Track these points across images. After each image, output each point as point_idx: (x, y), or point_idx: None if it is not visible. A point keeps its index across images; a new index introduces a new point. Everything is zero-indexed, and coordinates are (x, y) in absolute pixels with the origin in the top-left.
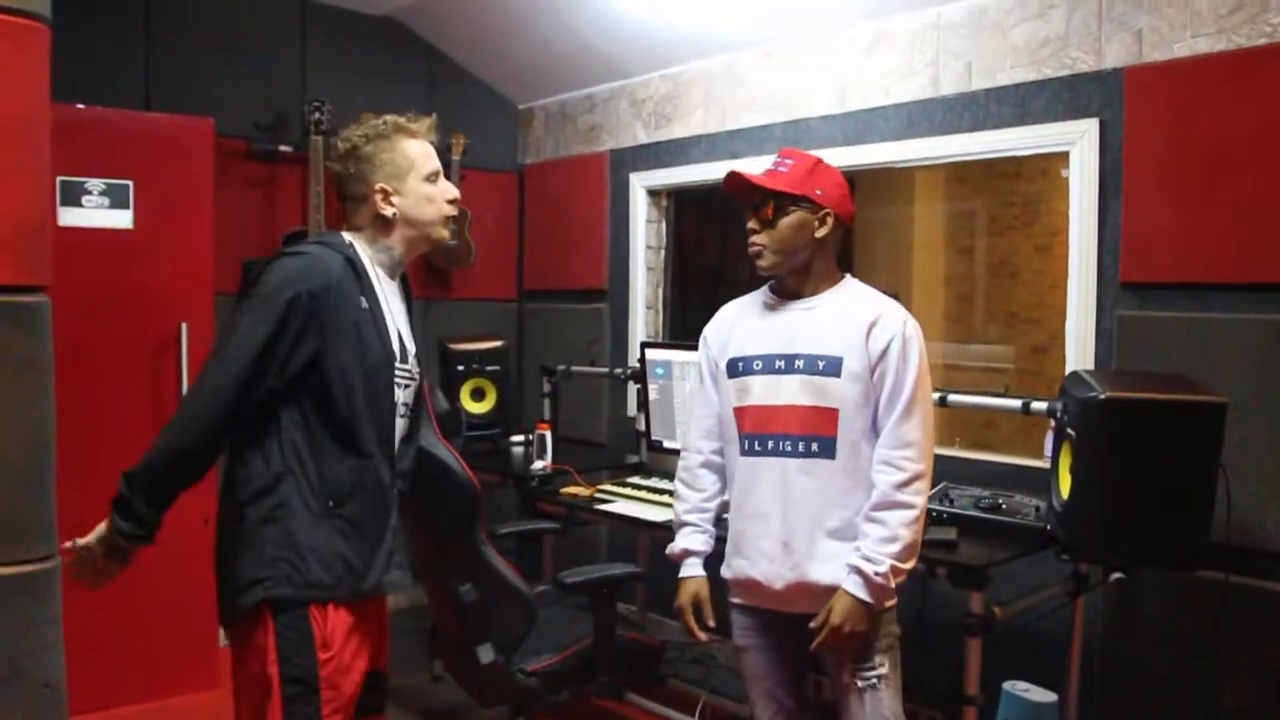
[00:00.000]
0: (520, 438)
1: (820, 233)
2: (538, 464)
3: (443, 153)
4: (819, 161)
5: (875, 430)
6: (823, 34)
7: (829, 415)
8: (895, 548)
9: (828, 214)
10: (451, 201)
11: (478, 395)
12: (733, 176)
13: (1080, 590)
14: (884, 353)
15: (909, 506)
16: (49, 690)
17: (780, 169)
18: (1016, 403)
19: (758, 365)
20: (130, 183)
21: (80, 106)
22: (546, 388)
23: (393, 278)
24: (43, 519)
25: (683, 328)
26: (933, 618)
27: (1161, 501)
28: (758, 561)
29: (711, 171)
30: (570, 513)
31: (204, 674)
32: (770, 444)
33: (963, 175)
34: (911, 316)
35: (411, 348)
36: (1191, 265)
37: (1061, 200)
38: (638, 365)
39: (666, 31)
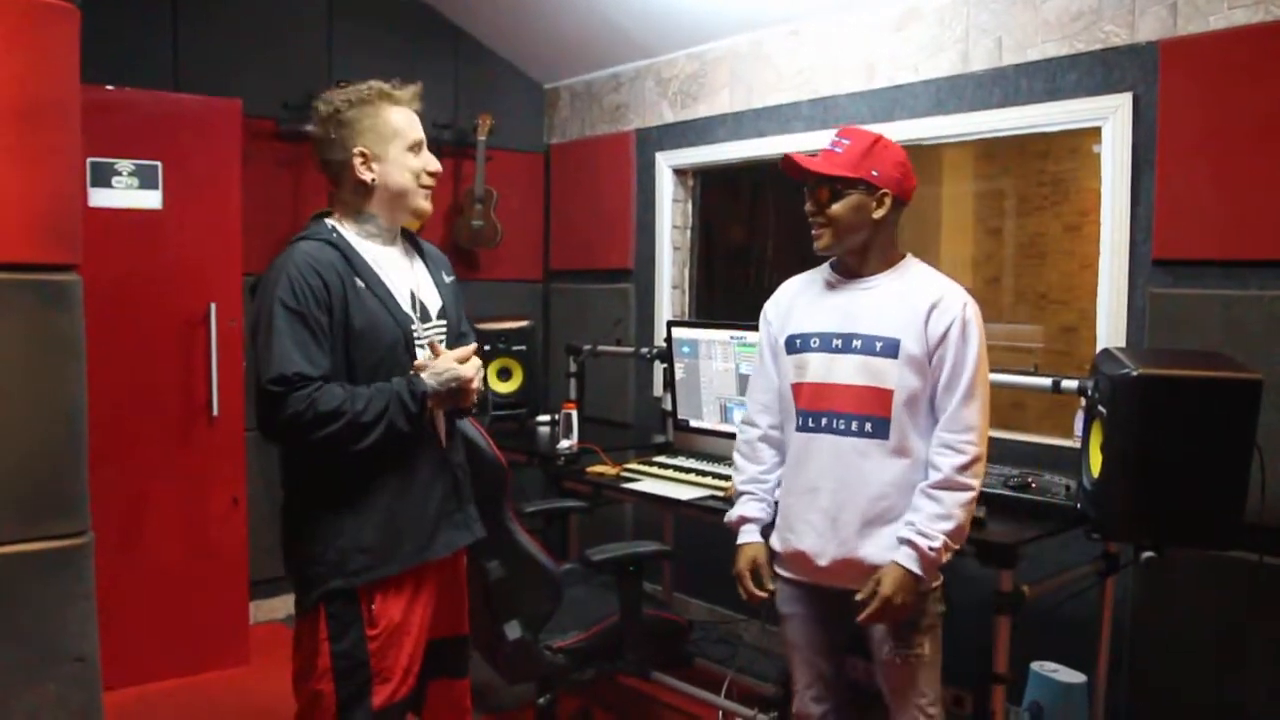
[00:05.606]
0: (546, 417)
1: (878, 214)
2: (564, 443)
3: (468, 133)
4: (878, 140)
5: (929, 414)
6: (851, 10)
7: (883, 396)
8: (949, 525)
9: (885, 194)
10: (432, 174)
11: (504, 375)
12: (788, 160)
13: (1110, 570)
14: (944, 336)
15: (967, 489)
16: (82, 664)
17: (836, 150)
18: (1047, 381)
19: (815, 343)
20: (159, 163)
21: (109, 88)
22: (572, 367)
23: (390, 243)
24: (75, 495)
25: (709, 307)
26: (961, 597)
27: (1194, 480)
28: (805, 535)
29: (738, 150)
30: (596, 491)
31: (235, 650)
32: (825, 421)
33: (992, 154)
34: (972, 300)
35: (435, 304)
36: (1227, 241)
37: (1091, 179)
38: (664, 345)
39: (692, 10)
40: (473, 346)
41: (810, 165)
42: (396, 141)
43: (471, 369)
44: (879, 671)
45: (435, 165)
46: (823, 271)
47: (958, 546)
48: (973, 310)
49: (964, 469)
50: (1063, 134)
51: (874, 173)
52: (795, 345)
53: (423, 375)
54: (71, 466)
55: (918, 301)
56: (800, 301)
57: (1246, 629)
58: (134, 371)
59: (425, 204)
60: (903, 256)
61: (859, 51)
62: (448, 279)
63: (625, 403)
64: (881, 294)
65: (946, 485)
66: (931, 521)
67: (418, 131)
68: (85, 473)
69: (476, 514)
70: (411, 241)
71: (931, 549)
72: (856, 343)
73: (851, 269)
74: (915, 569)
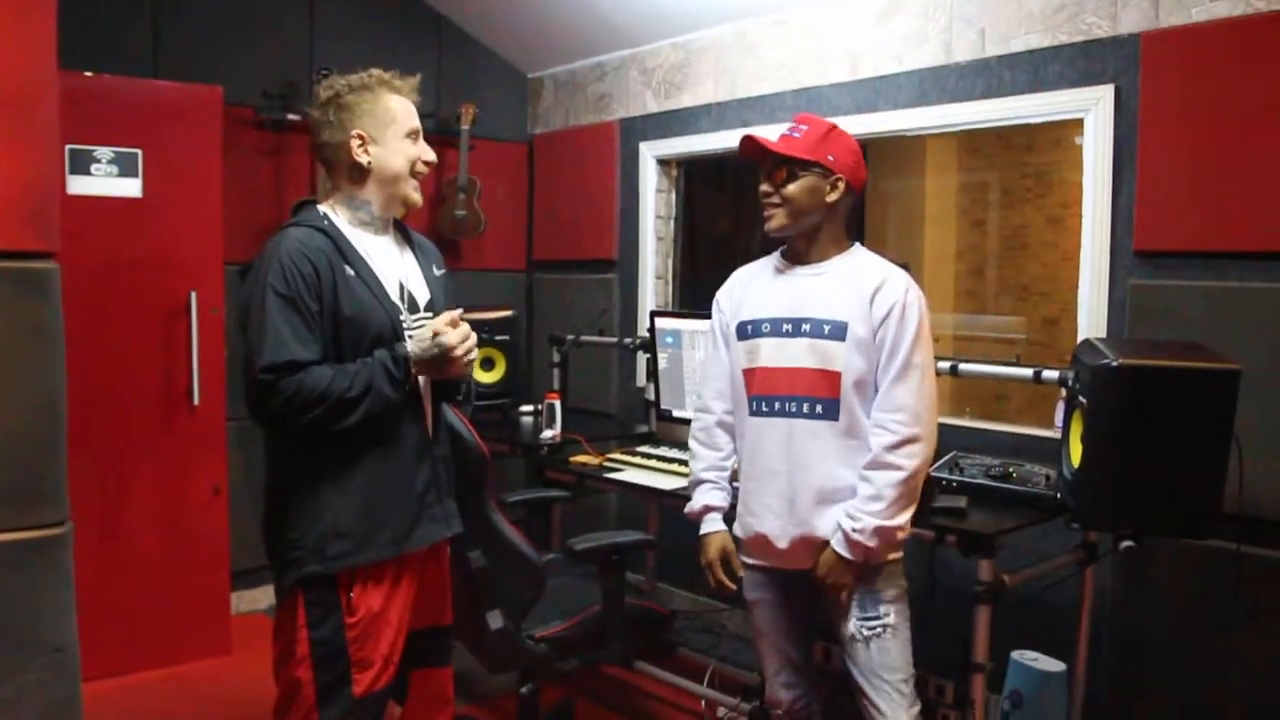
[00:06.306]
0: (529, 407)
1: (830, 198)
2: (547, 433)
3: (451, 122)
4: (833, 127)
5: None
6: (835, 1)
7: (832, 378)
8: (878, 506)
9: (839, 180)
10: (427, 164)
11: (487, 365)
12: (748, 141)
13: (1090, 559)
14: (885, 319)
15: (896, 468)
16: (61, 655)
17: (794, 134)
18: (1028, 371)
19: (766, 328)
20: (139, 151)
21: (88, 74)
22: (555, 357)
23: (382, 233)
24: (54, 485)
25: (692, 297)
26: (942, 586)
27: (1173, 470)
28: (764, 518)
29: (722, 140)
30: (579, 481)
31: (216, 640)
32: (777, 405)
33: (975, 147)
34: (915, 285)
35: (424, 295)
36: (1208, 233)
37: (1074, 172)
38: (647, 335)
39: None
40: (459, 312)
41: (770, 146)
42: (394, 127)
43: (456, 336)
44: (847, 652)
45: (430, 155)
46: (772, 259)
47: (894, 523)
48: (915, 295)
49: (893, 448)
50: (1045, 126)
51: (830, 157)
52: (747, 331)
53: (406, 343)
54: (51, 455)
55: (863, 285)
56: (751, 289)
57: (1224, 618)
58: (114, 360)
59: (415, 194)
60: (851, 244)
61: (843, 42)
62: (438, 271)
63: (608, 393)
64: (830, 279)
65: (876, 465)
66: (861, 504)
67: (415, 121)
68: (65, 462)
69: (456, 508)
70: (403, 233)
71: (855, 530)
72: (806, 326)
73: (801, 255)
74: (842, 551)
